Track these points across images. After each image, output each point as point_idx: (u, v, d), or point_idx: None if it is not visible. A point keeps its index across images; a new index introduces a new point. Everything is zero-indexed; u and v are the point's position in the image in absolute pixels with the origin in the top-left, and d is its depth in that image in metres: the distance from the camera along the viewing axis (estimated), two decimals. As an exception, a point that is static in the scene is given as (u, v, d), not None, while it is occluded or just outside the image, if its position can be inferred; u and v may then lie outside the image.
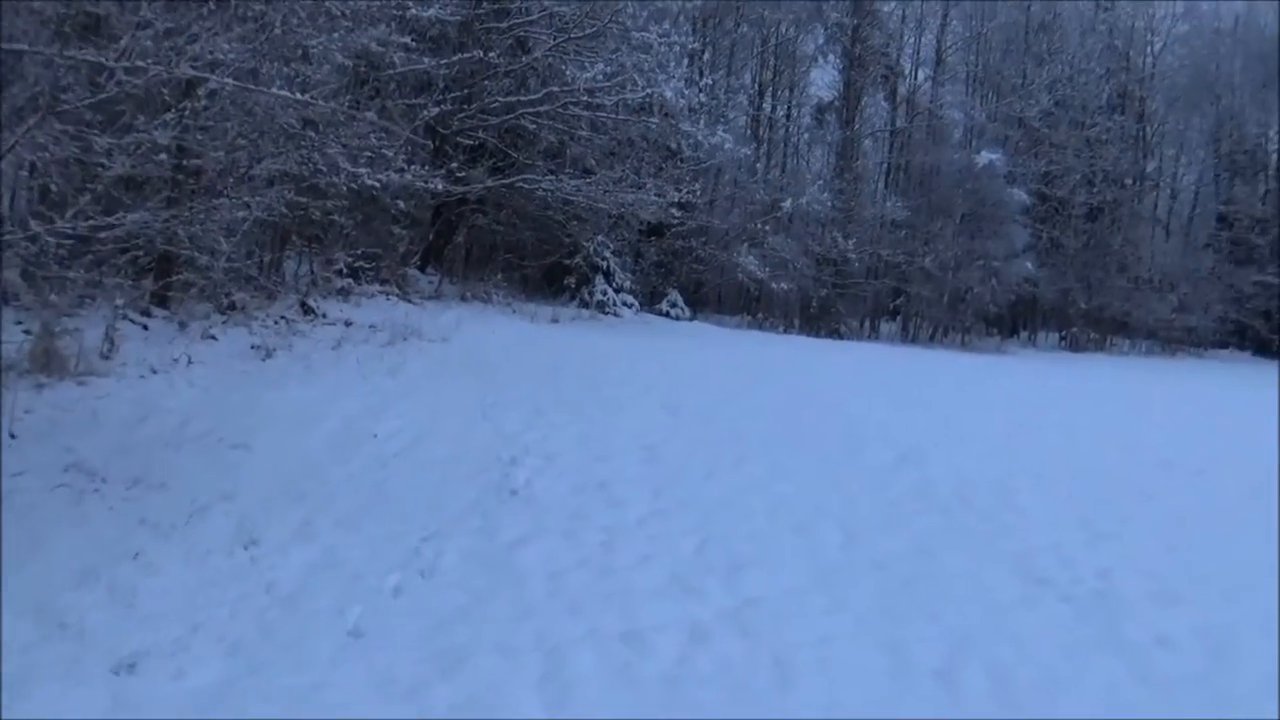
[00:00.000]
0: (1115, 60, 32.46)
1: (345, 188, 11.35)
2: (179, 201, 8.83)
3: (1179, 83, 33.37)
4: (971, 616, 3.86)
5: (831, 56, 28.50)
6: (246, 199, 9.54)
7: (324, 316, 11.55)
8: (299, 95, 6.04)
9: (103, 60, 4.90)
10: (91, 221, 6.71)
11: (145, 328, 8.82)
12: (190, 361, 7.58)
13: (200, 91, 7.62)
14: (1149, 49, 34.03)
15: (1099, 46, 31.54)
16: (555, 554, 4.15)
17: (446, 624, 3.53)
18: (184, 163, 8.68)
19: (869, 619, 3.79)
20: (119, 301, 7.44)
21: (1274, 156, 34.04)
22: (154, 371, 6.99)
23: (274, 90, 5.96)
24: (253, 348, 8.77)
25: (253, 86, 5.98)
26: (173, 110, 7.83)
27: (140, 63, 4.75)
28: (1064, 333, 30.49)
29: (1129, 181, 32.52)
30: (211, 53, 5.17)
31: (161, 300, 9.49)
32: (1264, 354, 32.10)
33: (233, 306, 10.38)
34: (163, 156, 7.76)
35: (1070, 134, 29.13)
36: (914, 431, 8.10)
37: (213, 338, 8.85)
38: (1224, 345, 32.72)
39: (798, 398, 9.45)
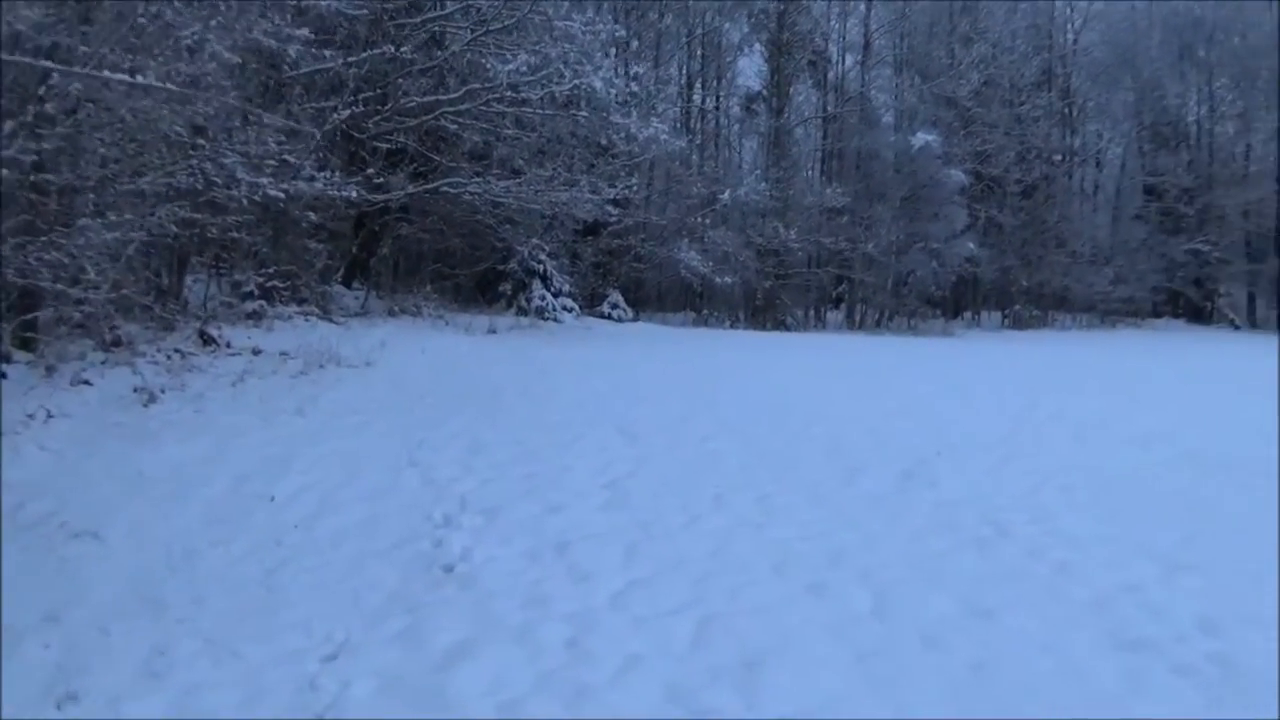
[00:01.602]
0: (1039, 38, 32.49)
1: (246, 201, 10.12)
2: (36, 226, 7.53)
3: (1099, 58, 33.62)
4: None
5: (758, 45, 27.86)
6: (119, 218, 8.23)
7: (228, 346, 10.24)
8: (138, 80, 4.79)
9: None
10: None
11: (3, 375, 7.46)
12: (49, 416, 6.27)
13: (42, 93, 6.35)
14: (1069, 26, 34.26)
15: (1023, 24, 31.53)
16: (506, 669, 3.03)
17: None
18: (35, 179, 7.33)
19: (946, 736, 2.78)
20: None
21: (1194, 126, 34.39)
22: (-4, 434, 5.67)
23: (108, 75, 4.70)
24: (135, 390, 7.46)
25: (80, 70, 4.71)
26: (14, 118, 6.55)
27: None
28: (1006, 311, 30.32)
29: (1058, 158, 32.60)
30: (12, 24, 3.94)
31: (25, 342, 8.12)
32: (1198, 321, 32.44)
33: (117, 343, 9.03)
34: (3, 171, 6.50)
35: (1001, 112, 29.00)
36: (906, 439, 7.17)
37: (86, 383, 7.51)
38: (1158, 314, 32.95)
39: (767, 407, 8.46)
